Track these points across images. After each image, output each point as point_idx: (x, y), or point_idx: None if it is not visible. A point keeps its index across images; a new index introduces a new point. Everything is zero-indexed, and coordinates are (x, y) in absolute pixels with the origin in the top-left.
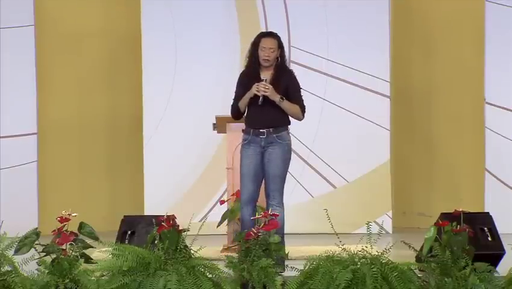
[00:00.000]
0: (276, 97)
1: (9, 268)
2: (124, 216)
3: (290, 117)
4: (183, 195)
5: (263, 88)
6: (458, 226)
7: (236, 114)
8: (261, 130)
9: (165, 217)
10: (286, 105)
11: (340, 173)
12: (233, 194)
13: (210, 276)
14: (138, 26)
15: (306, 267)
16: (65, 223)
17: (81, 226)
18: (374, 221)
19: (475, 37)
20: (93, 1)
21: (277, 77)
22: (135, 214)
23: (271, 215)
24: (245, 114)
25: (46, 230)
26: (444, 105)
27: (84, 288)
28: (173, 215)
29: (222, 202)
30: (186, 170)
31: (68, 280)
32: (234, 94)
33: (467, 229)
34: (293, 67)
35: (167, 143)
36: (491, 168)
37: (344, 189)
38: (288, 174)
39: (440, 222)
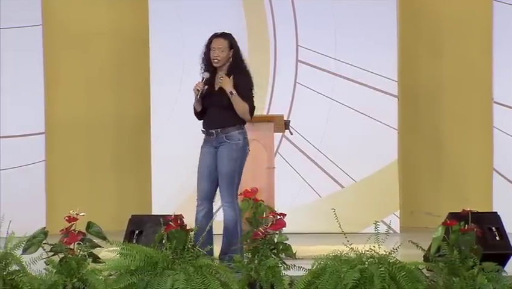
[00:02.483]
0: (228, 89)
1: (17, 268)
2: (132, 215)
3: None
4: (190, 194)
5: (195, 86)
6: (466, 225)
7: (195, 113)
8: (210, 131)
9: (172, 216)
10: (236, 99)
11: (348, 173)
12: (240, 194)
13: (218, 275)
14: (145, 25)
15: (314, 267)
16: (73, 223)
17: (89, 225)
18: (382, 221)
19: (483, 36)
20: (101, 1)
21: (228, 77)
22: (143, 214)
23: (278, 214)
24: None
25: (53, 230)
26: (452, 104)
27: (91, 287)
28: (181, 214)
29: None
30: (193, 170)
31: (76, 280)
32: None
33: (475, 229)
34: (300, 66)
35: (175, 143)
36: (499, 168)
37: (351, 188)
38: (295, 174)
39: (448, 222)
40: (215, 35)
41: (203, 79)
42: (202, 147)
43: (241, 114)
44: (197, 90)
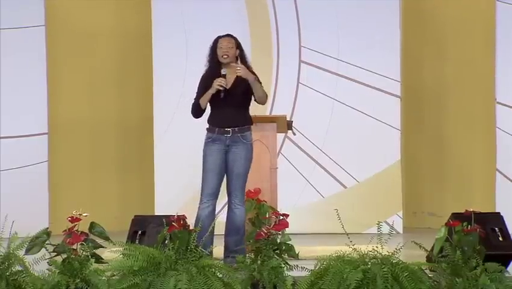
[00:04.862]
0: (250, 76)
1: (20, 268)
2: (135, 216)
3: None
4: (193, 195)
5: (219, 82)
6: (469, 226)
7: (197, 110)
8: (226, 129)
9: (175, 216)
10: (257, 85)
11: (351, 173)
12: None
13: (220, 275)
14: (148, 26)
15: (317, 267)
16: (76, 223)
17: (92, 225)
18: (385, 221)
19: (486, 36)
20: (104, 1)
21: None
22: (146, 214)
23: (281, 215)
24: (209, 114)
25: (56, 230)
26: (455, 105)
27: (94, 287)
28: (184, 215)
29: None
30: (196, 170)
31: (79, 280)
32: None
33: (478, 229)
34: (303, 67)
35: (178, 143)
36: (502, 169)
37: (354, 189)
38: (298, 174)
39: (451, 222)
40: (221, 36)
41: (224, 76)
42: (210, 144)
43: (261, 98)
44: (221, 87)
